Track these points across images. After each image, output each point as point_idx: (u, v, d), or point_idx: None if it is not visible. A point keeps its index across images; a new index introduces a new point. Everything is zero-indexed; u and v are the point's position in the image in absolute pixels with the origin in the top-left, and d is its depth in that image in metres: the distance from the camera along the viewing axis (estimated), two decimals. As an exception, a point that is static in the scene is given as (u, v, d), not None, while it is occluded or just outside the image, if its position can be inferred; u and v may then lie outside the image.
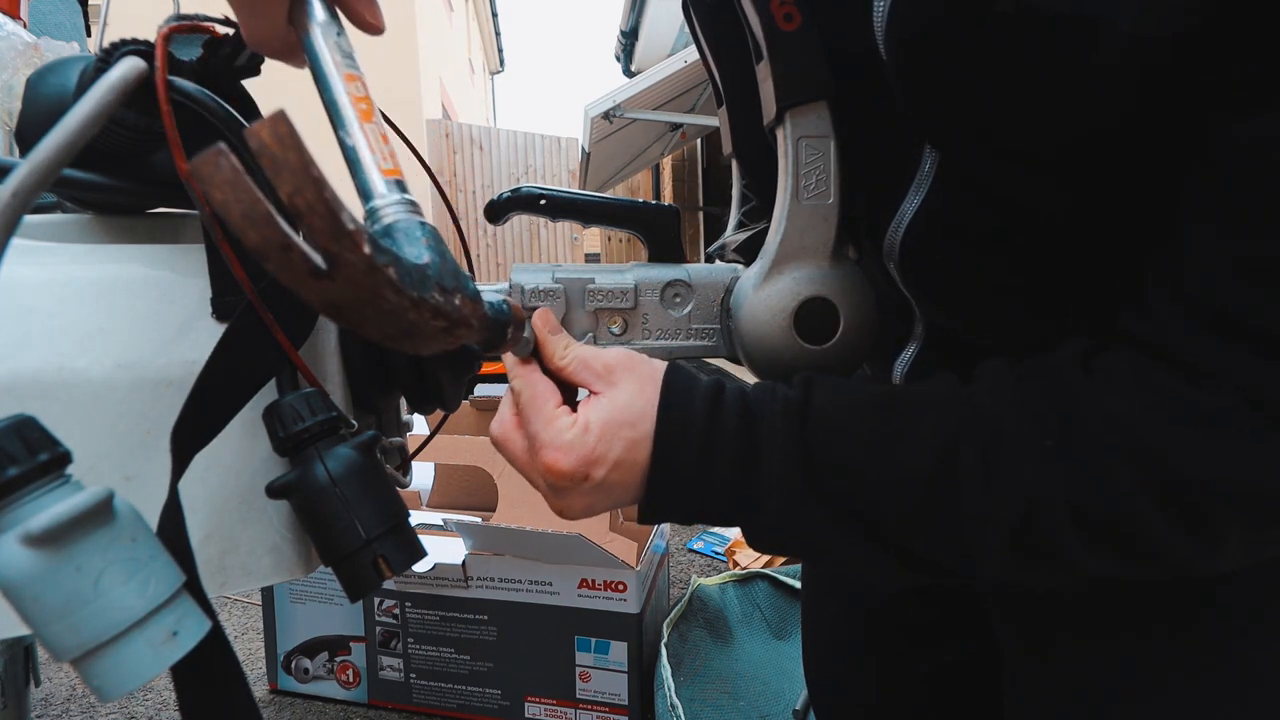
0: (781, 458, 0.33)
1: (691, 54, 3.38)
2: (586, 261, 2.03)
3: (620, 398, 0.35)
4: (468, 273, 0.31)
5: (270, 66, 0.38)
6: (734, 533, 1.73)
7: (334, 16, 0.31)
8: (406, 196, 0.28)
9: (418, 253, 0.26)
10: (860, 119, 0.39)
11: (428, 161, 0.51)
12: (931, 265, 0.40)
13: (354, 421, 0.37)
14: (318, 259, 0.22)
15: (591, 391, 0.36)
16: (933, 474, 0.32)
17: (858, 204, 0.41)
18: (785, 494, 0.33)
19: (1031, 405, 0.32)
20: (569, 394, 0.39)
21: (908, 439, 0.32)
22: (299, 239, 0.21)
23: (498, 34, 13.35)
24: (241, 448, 0.35)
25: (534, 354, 0.38)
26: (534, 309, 0.40)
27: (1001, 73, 0.31)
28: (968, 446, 0.32)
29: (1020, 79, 0.30)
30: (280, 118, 0.20)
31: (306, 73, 0.31)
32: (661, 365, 0.36)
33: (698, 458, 0.34)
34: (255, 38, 0.32)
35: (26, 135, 0.35)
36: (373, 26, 0.33)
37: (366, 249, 0.22)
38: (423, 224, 0.29)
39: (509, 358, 0.38)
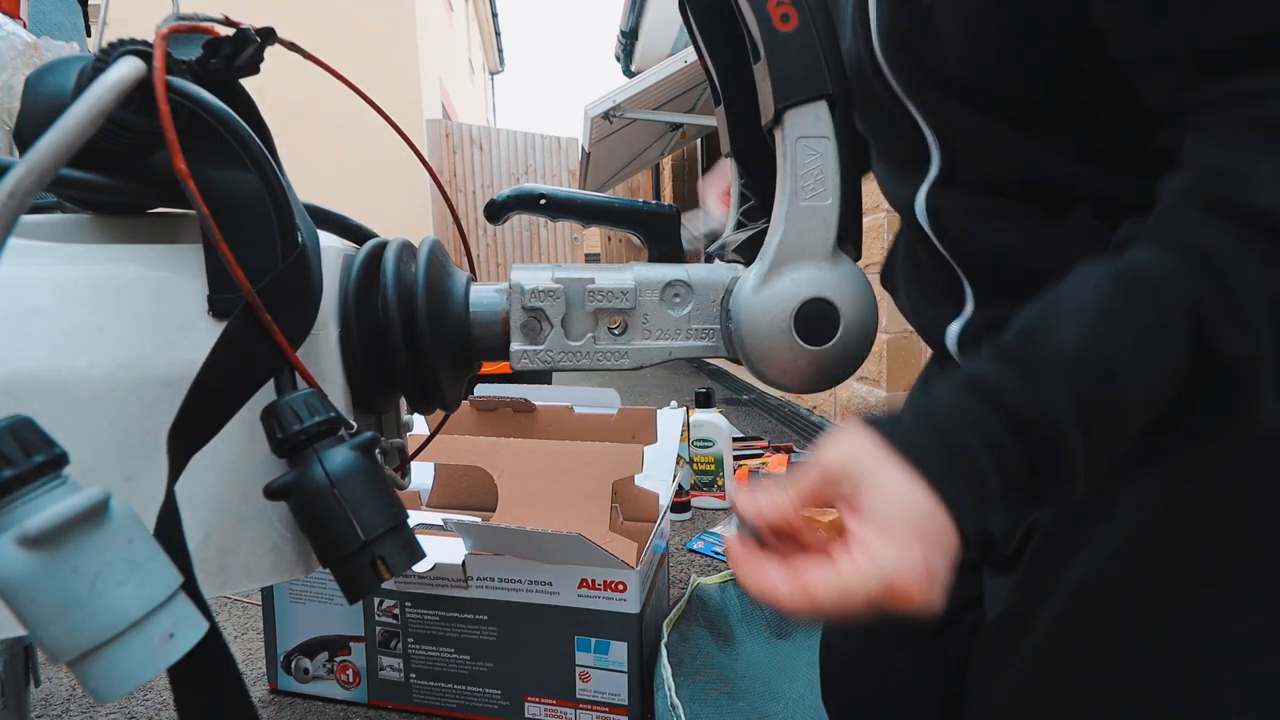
0: (1045, 389, 0.31)
1: (691, 54, 3.38)
2: (586, 261, 2.03)
3: (878, 504, 0.30)
4: (468, 271, 0.31)
5: (269, 67, 0.38)
6: (733, 532, 1.73)
7: None
8: None
9: None
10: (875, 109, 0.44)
11: (428, 161, 0.51)
12: (961, 221, 0.44)
13: (353, 422, 0.37)
14: None
15: (841, 507, 0.32)
16: (1180, 342, 0.31)
17: (880, 179, 0.46)
18: (1056, 409, 0.32)
19: (1216, 236, 0.31)
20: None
21: (1147, 348, 0.31)
22: None
23: (498, 34, 13.35)
24: (241, 448, 0.35)
25: (753, 535, 0.33)
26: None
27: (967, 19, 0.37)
28: (1202, 305, 0.31)
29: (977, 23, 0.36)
30: None
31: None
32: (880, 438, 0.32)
33: (981, 467, 0.31)
34: None
35: (25, 135, 0.35)
36: None
37: None
38: None
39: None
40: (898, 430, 0.32)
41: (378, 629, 1.14)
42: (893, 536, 0.29)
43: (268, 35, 0.35)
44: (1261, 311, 0.31)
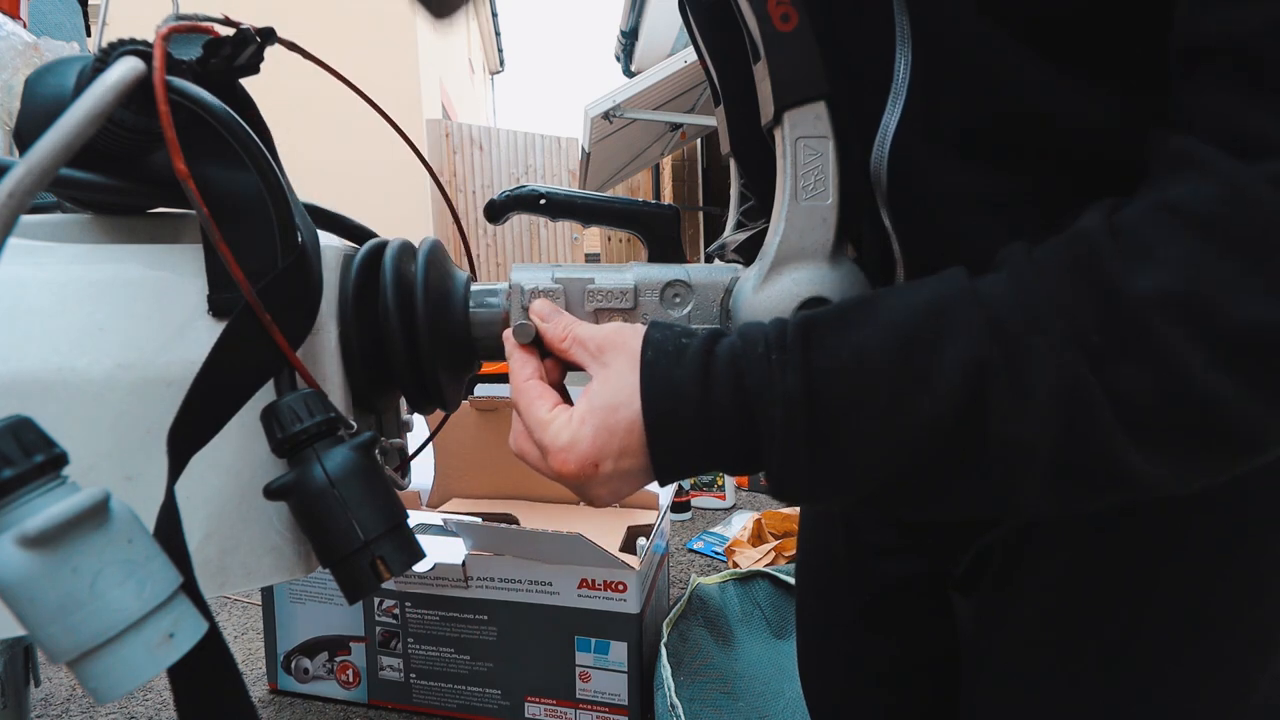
0: (783, 452, 0.31)
1: (691, 54, 3.38)
2: (586, 261, 2.03)
3: (610, 380, 0.34)
4: (468, 271, 0.32)
5: (269, 67, 0.38)
6: (734, 532, 1.73)
7: None
8: None
9: None
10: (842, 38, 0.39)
11: (428, 161, 0.51)
12: (920, 185, 0.39)
13: (353, 422, 0.37)
14: None
15: (590, 373, 0.36)
16: (957, 421, 0.29)
17: (842, 118, 0.39)
18: (790, 478, 0.32)
19: (1065, 297, 0.28)
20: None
21: (926, 390, 0.29)
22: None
23: (498, 34, 13.34)
24: (242, 447, 0.35)
25: (535, 343, 0.39)
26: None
27: None
28: (994, 378, 0.28)
29: None
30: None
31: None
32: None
33: (697, 446, 0.33)
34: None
35: (24, 135, 0.35)
36: None
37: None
38: None
39: (511, 364, 0.38)
40: (660, 353, 0.33)
41: (378, 629, 1.14)
42: (586, 421, 0.33)
43: (268, 35, 0.35)
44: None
